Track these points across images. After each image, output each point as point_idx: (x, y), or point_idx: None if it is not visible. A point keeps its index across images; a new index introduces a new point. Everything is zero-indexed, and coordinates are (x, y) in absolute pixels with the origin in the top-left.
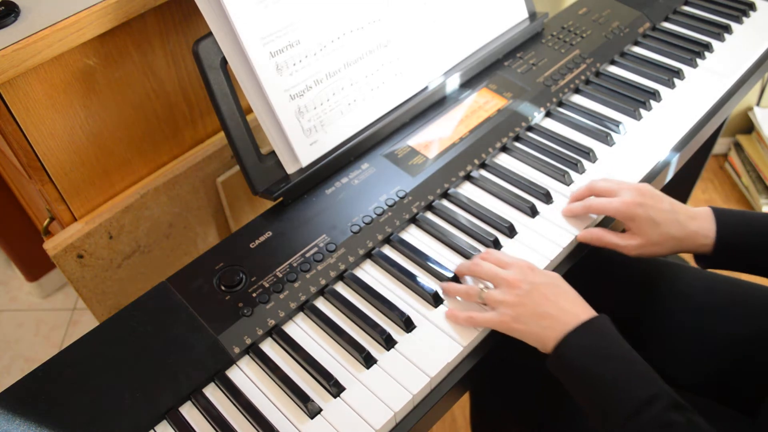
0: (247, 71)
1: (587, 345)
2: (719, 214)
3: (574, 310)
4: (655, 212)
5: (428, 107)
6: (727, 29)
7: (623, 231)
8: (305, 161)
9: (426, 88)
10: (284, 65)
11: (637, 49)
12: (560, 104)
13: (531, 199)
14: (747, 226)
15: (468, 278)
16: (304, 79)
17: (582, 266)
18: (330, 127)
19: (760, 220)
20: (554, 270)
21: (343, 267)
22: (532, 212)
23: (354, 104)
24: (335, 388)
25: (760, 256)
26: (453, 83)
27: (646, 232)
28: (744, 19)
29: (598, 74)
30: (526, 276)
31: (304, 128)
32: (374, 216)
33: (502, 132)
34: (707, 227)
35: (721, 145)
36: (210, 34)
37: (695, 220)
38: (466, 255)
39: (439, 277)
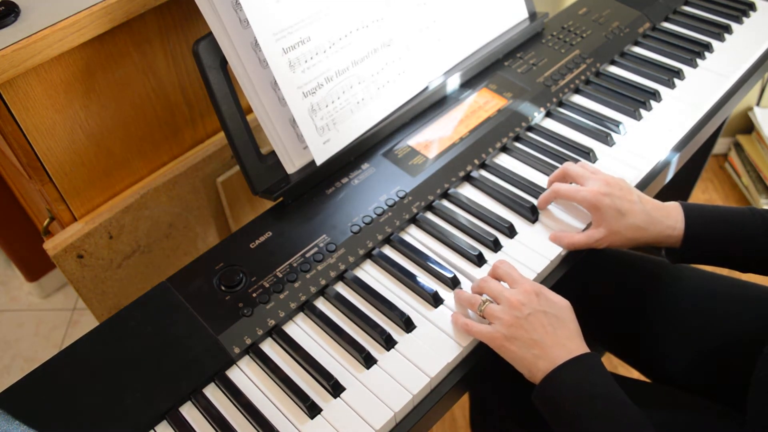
0: (248, 71)
1: (573, 382)
2: (688, 208)
3: (569, 345)
4: (622, 203)
5: (428, 107)
6: (727, 29)
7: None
8: (319, 160)
9: (426, 88)
10: (296, 62)
11: (637, 49)
12: (560, 104)
13: (531, 200)
14: (715, 218)
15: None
16: (316, 76)
17: (582, 266)
18: (341, 125)
19: (728, 212)
20: (554, 270)
21: (343, 267)
22: (533, 212)
23: (362, 103)
24: (335, 388)
25: (729, 248)
26: (453, 83)
27: (610, 222)
28: (744, 19)
29: (598, 74)
30: (530, 300)
31: (317, 126)
32: (374, 216)
33: (502, 132)
34: (675, 219)
35: (721, 145)
36: (210, 34)
37: (663, 212)
38: (466, 255)
39: (439, 278)
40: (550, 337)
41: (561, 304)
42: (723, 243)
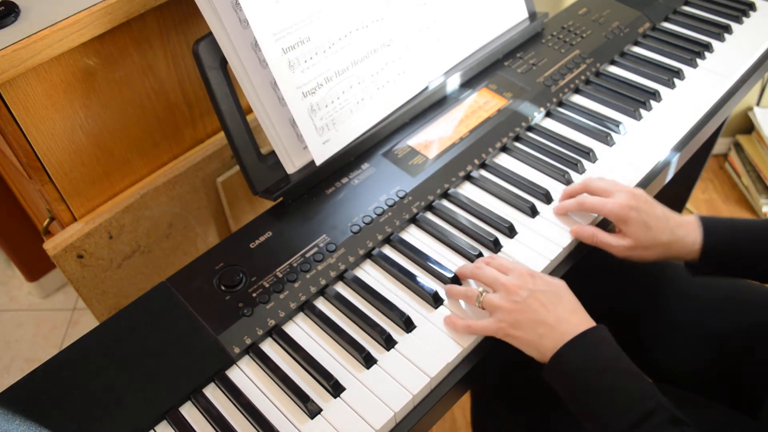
0: (248, 71)
1: (584, 356)
2: (706, 222)
3: (573, 319)
4: (649, 217)
5: (428, 107)
6: (727, 29)
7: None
8: (319, 160)
9: (426, 88)
10: (296, 62)
11: (637, 49)
12: (560, 104)
13: (531, 199)
14: (732, 232)
15: (471, 281)
16: (315, 76)
17: (582, 266)
18: (341, 125)
19: (745, 225)
20: (554, 270)
21: (343, 267)
22: (532, 212)
23: (362, 103)
24: (335, 388)
25: (748, 262)
26: (453, 83)
27: (637, 235)
28: (744, 19)
29: (598, 74)
30: (526, 282)
31: (316, 126)
32: (374, 216)
33: (502, 132)
34: (693, 234)
35: (721, 145)
36: (210, 34)
37: (682, 227)
38: (466, 255)
39: (439, 278)
40: (552, 315)
41: (556, 283)
42: (741, 257)
